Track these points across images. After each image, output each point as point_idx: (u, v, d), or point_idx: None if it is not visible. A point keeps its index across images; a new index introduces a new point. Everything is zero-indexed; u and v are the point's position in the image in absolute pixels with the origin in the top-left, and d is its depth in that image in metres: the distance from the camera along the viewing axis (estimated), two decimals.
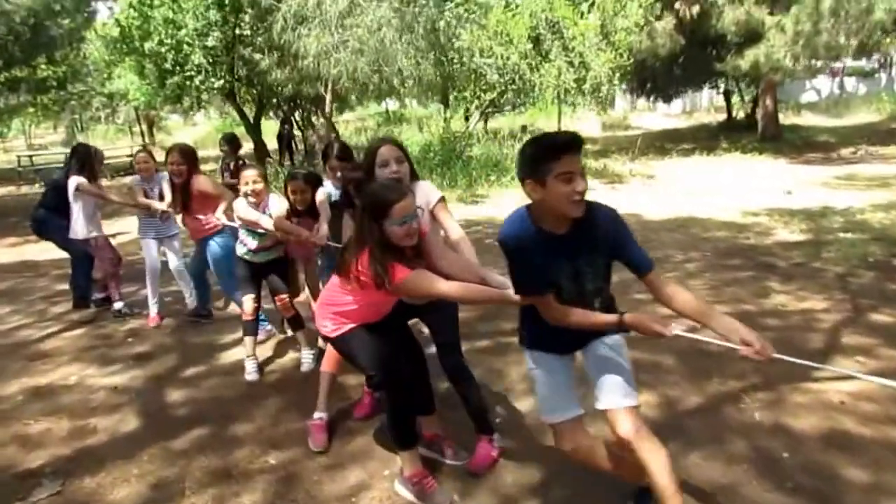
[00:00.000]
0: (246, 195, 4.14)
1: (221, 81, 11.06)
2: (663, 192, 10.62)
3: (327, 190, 3.91)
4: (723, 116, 22.75)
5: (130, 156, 21.05)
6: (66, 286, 6.27)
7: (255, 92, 13.18)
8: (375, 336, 2.77)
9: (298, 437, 3.39)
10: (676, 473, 2.20)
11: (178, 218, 5.38)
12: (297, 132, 15.44)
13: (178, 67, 11.84)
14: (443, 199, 3.09)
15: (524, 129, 18.14)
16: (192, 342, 4.99)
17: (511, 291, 2.30)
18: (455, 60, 11.53)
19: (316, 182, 4.07)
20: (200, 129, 32.89)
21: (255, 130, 13.68)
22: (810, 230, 7.44)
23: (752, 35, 14.28)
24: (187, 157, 4.94)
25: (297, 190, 4.11)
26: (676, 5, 14.71)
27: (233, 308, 5.63)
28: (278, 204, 4.18)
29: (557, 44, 11.09)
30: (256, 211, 4.13)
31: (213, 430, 3.54)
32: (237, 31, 11.80)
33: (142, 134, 24.91)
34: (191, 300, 5.60)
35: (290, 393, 3.96)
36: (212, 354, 4.68)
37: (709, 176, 12.18)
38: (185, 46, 11.71)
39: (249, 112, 14.54)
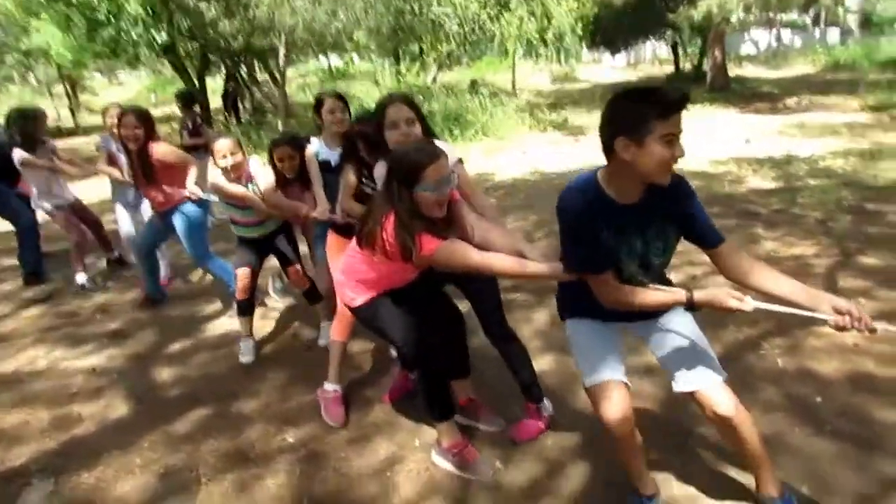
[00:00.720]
0: (225, 170, 3.69)
1: (163, 34, 10.19)
2: None
3: (314, 148, 3.56)
4: (669, 69, 22.94)
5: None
6: (13, 261, 5.77)
7: (198, 46, 12.25)
8: (403, 304, 2.56)
9: (313, 411, 3.18)
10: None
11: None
12: (241, 89, 14.64)
13: (111, 18, 10.86)
14: (460, 161, 2.82)
15: (474, 83, 17.80)
16: (169, 316, 4.66)
17: (557, 266, 2.08)
18: (413, 10, 11.04)
19: (303, 145, 3.65)
20: (128, 90, 31.08)
21: (200, 89, 12.86)
22: (780, 177, 7.53)
23: None
24: (143, 120, 4.21)
25: (284, 157, 3.65)
26: None
27: (207, 279, 5.30)
28: (264, 174, 3.73)
29: None
30: (239, 185, 3.74)
31: (215, 409, 3.29)
32: None
33: (67, 96, 23.26)
34: (164, 269, 5.22)
35: (292, 366, 3.72)
36: (195, 328, 4.38)
37: None
38: None
39: (191, 69, 13.64)
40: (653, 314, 2.17)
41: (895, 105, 12.96)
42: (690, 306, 1.93)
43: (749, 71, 22.71)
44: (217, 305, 4.76)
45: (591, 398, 2.15)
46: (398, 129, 2.67)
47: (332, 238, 3.34)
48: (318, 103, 3.57)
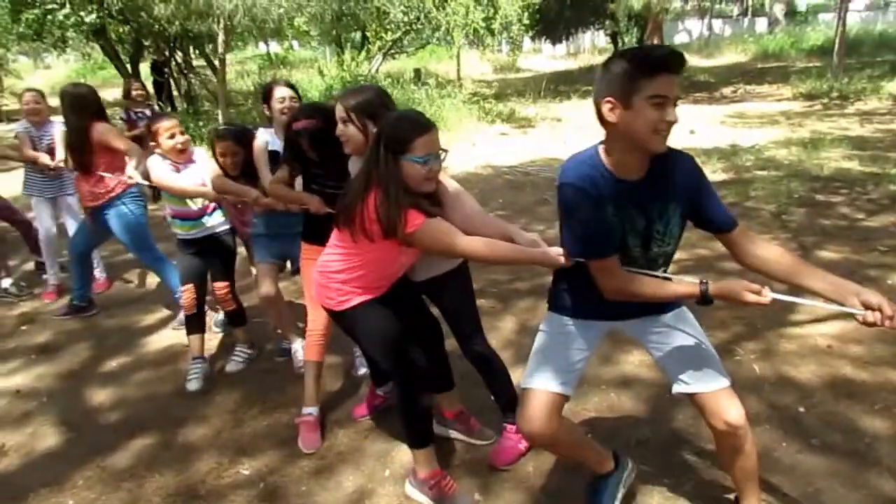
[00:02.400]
0: (172, 150, 3.32)
1: (93, 16, 9.42)
2: (576, 135, 10.54)
3: (264, 138, 3.25)
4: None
5: None
6: None
7: (130, 29, 11.42)
8: (385, 313, 2.31)
9: (270, 438, 2.91)
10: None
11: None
12: (176, 76, 13.84)
13: None
14: None
15: (417, 73, 17.49)
16: (105, 326, 4.26)
17: (550, 250, 1.92)
18: None
19: (250, 140, 3.30)
20: (56, 73, 29.20)
21: (133, 75, 12.05)
22: (730, 169, 7.60)
23: None
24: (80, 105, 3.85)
25: (227, 152, 3.30)
26: None
27: (149, 281, 4.90)
28: (207, 161, 3.44)
29: None
30: (177, 165, 3.37)
31: (160, 438, 2.96)
32: None
33: None
34: (98, 269, 4.86)
35: (244, 386, 3.40)
36: (135, 341, 4.00)
37: None
38: None
39: (123, 54, 12.76)
40: (652, 310, 2.01)
41: (825, 93, 13.40)
42: (704, 300, 1.75)
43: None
44: (160, 314, 4.38)
45: (523, 401, 2.02)
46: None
47: (305, 251, 2.93)
48: (268, 92, 3.29)
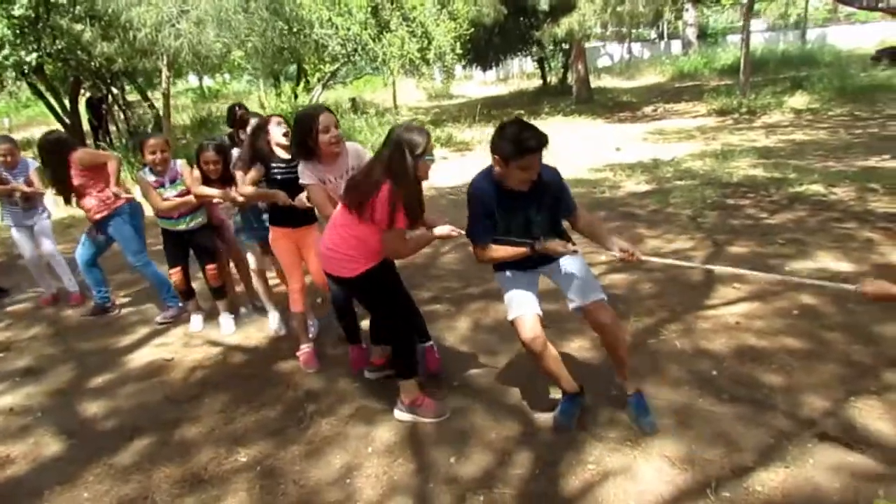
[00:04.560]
0: (153, 164, 4.22)
1: (34, 55, 9.42)
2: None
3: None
4: (537, 83, 24.22)
5: None
6: None
7: (69, 67, 11.40)
8: (388, 276, 3.15)
9: (261, 430, 3.25)
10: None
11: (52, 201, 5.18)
12: (114, 112, 13.82)
13: None
14: None
15: (353, 101, 17.96)
16: (83, 349, 4.48)
17: (442, 227, 3.00)
18: (296, 31, 11.01)
19: (226, 150, 4.27)
20: None
21: (72, 112, 11.96)
22: (652, 180, 8.32)
23: (565, 5, 15.32)
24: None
25: (209, 160, 4.18)
26: None
27: (124, 309, 5.12)
28: (187, 170, 4.30)
29: (397, 14, 11.07)
30: (162, 179, 4.28)
31: (158, 437, 3.26)
32: None
33: None
34: (70, 284, 5.30)
35: (229, 390, 3.72)
36: (115, 360, 4.24)
37: None
38: None
39: (62, 91, 12.66)
40: (553, 259, 2.95)
41: (735, 109, 14.54)
42: (535, 252, 2.76)
43: (608, 82, 24.44)
44: (135, 335, 4.63)
45: (514, 327, 2.88)
46: (330, 133, 3.23)
47: (274, 232, 3.84)
48: (264, 125, 3.81)
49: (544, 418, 3.10)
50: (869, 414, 2.93)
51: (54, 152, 4.49)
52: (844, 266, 4.71)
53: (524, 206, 2.80)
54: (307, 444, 3.11)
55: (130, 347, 4.42)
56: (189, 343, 4.41)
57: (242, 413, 3.43)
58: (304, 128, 3.22)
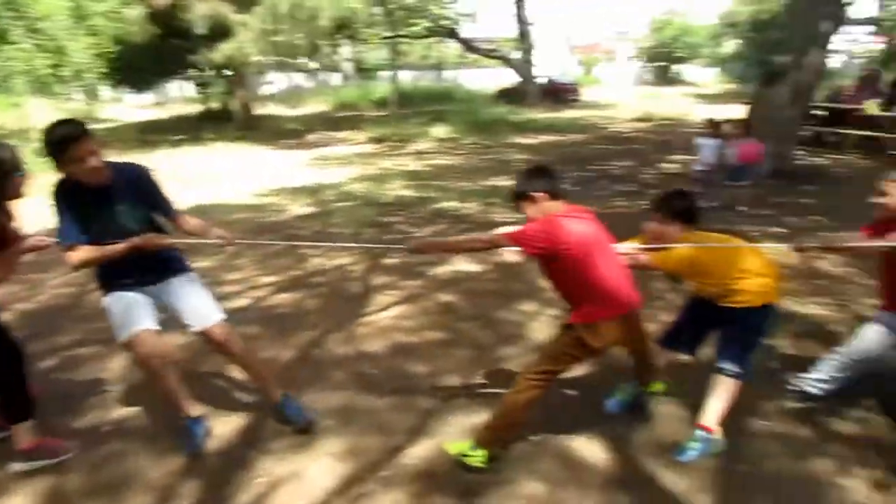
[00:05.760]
0: None
1: None
2: (172, 184, 10.54)
3: None
4: (199, 108, 23.30)
5: None
6: None
7: None
8: None
9: None
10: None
11: None
12: None
13: None
14: None
15: None
16: None
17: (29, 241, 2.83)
18: None
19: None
20: None
21: None
22: (315, 203, 8.69)
23: (223, 30, 15.13)
24: None
25: None
26: None
27: None
28: None
29: (20, 24, 9.64)
30: None
31: None
32: None
33: None
34: None
35: None
36: None
37: (206, 165, 12.55)
38: None
39: None
40: (158, 280, 2.93)
41: (389, 137, 15.99)
42: (143, 247, 2.72)
43: (272, 110, 24.72)
44: None
45: (129, 349, 2.83)
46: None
47: None
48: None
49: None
50: (494, 382, 3.55)
51: None
52: (474, 267, 5.58)
53: (107, 202, 2.73)
54: None
55: None
56: None
57: None
58: None
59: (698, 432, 2.85)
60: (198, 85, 22.46)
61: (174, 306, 2.95)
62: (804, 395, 3.14)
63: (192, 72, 19.90)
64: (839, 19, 9.49)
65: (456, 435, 3.04)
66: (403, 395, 3.48)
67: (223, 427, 3.19)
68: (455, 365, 3.83)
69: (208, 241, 2.96)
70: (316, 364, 3.90)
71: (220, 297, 3.44)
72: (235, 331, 3.05)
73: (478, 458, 2.74)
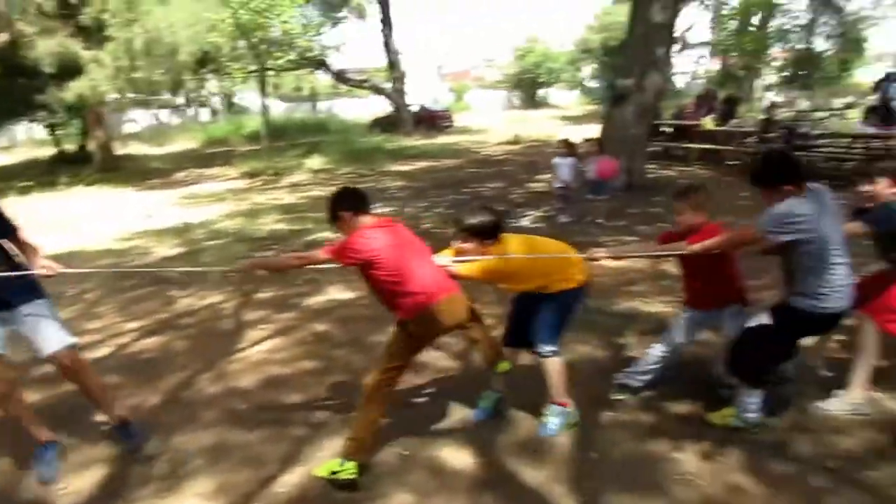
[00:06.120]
0: None
1: None
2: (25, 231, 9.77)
3: None
4: (51, 150, 21.80)
5: None
6: None
7: None
8: None
9: None
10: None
11: None
12: None
13: None
14: None
15: None
16: None
17: None
18: None
19: None
20: None
21: None
22: (183, 243, 8.39)
23: (73, 67, 14.33)
24: None
25: None
26: None
27: None
28: None
29: None
30: None
31: None
32: None
33: None
34: None
35: None
36: None
37: (61, 211, 11.75)
38: None
39: None
40: (9, 307, 2.92)
41: (263, 171, 15.72)
42: None
43: (135, 149, 23.59)
44: None
45: None
46: None
47: None
48: None
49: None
50: None
51: None
52: (348, 294, 5.63)
53: None
54: None
55: None
56: None
57: None
58: None
59: (553, 407, 3.18)
60: (48, 126, 21.00)
61: (24, 333, 2.97)
62: (628, 388, 3.49)
63: (41, 113, 18.58)
64: (670, 44, 10.51)
65: (328, 458, 3.09)
66: (276, 427, 3.47)
67: (83, 482, 3.06)
68: (329, 392, 3.88)
69: (33, 272, 2.99)
70: (185, 406, 3.81)
71: (80, 349, 3.29)
72: (83, 357, 3.07)
73: (348, 470, 2.82)
